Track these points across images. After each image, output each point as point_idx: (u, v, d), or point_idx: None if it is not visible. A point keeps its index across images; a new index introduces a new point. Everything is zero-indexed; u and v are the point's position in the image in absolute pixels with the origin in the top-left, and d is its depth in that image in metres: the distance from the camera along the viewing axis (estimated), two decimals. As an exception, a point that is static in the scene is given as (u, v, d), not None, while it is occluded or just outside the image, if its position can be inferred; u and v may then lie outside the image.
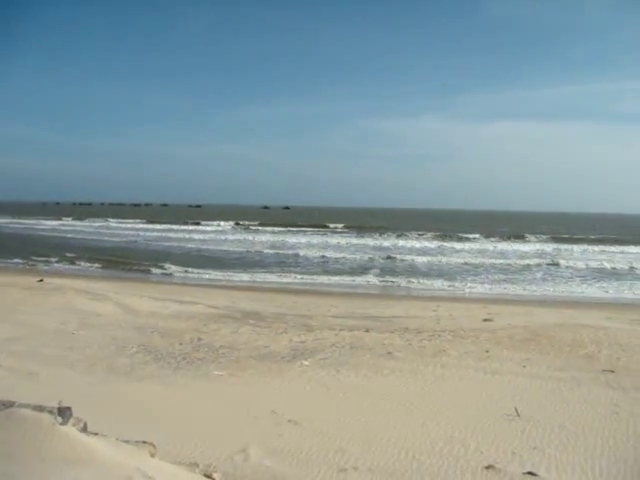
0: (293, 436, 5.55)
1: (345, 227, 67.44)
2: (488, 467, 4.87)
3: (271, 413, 6.19)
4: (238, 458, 4.95)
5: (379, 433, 5.65)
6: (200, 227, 63.55)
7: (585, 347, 9.93)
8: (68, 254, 30.26)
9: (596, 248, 40.63)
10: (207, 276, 23.69)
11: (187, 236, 47.39)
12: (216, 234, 51.48)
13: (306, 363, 8.56)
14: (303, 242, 42.91)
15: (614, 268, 28.68)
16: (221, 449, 5.10)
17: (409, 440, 5.48)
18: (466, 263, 30.06)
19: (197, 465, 4.59)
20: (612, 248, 40.69)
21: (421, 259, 31.50)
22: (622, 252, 38.15)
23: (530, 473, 4.76)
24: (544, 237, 52.27)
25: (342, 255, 33.35)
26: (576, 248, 40.38)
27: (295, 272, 25.26)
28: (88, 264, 27.00)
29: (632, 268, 28.60)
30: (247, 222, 71.45)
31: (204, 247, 38.29)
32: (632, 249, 39.89)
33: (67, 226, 62.93)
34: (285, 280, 23.06)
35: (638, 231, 66.03)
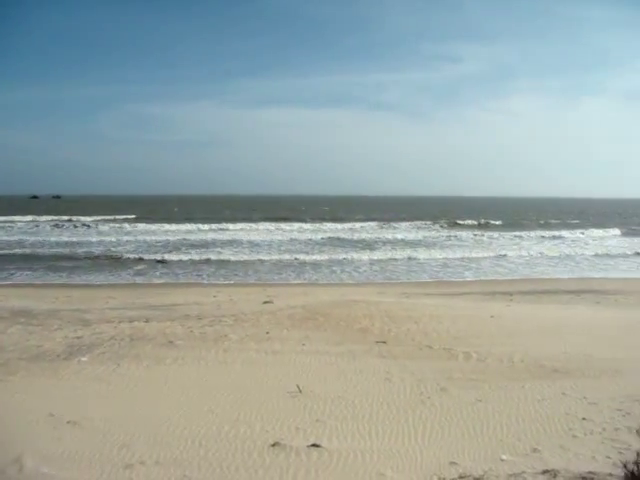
0: (73, 438, 5.34)
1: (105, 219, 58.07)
2: (274, 444, 5.16)
3: (48, 416, 5.86)
4: (11, 470, 4.62)
5: (164, 424, 5.67)
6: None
7: (359, 322, 10.81)
8: None
9: (372, 234, 42.00)
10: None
11: None
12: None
13: (84, 359, 8.20)
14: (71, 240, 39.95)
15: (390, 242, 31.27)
16: (-9, 463, 4.72)
17: (195, 428, 5.58)
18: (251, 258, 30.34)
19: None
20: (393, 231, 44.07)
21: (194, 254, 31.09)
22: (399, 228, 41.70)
23: (314, 445, 5.14)
24: (320, 224, 49.55)
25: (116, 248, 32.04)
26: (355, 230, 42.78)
27: (67, 268, 23.41)
28: None
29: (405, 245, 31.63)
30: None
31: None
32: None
33: None
34: (58, 276, 21.33)
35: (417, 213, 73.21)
